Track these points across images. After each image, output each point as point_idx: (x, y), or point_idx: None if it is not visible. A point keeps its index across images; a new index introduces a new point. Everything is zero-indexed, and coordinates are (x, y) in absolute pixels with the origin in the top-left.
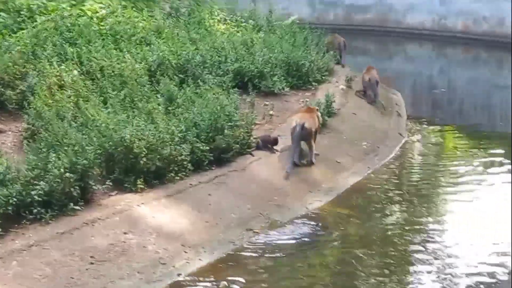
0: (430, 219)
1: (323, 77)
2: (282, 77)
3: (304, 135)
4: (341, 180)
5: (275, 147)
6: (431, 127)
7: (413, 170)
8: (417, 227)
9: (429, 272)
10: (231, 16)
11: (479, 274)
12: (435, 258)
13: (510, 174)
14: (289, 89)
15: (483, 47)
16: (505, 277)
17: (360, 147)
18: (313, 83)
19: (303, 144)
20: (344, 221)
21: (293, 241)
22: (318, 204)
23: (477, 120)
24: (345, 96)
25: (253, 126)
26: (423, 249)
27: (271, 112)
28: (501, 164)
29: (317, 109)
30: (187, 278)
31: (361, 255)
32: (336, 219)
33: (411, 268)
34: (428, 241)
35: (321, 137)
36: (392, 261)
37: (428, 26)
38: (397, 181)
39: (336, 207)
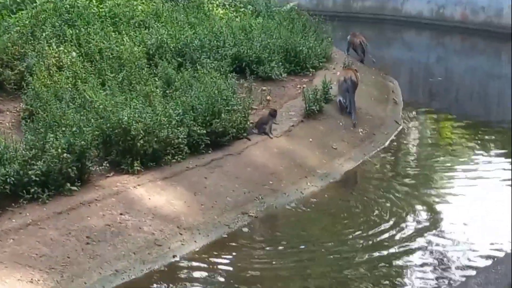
0: (422, 210)
1: (321, 64)
2: (280, 63)
3: (352, 87)
4: (337, 166)
5: (273, 127)
6: (428, 116)
7: (408, 159)
8: (410, 217)
9: (424, 264)
10: (230, 1)
11: (473, 264)
12: (430, 251)
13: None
14: (286, 75)
15: (480, 37)
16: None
17: (356, 134)
18: (311, 69)
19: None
20: (339, 207)
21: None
22: (313, 189)
23: (473, 110)
24: None
25: (250, 110)
26: (417, 241)
27: (268, 97)
28: (498, 158)
29: (355, 69)
30: (182, 260)
31: (353, 245)
32: (330, 205)
33: (405, 258)
34: (420, 233)
35: (317, 122)
36: (383, 253)
37: (426, 15)
38: (392, 170)
39: (331, 193)
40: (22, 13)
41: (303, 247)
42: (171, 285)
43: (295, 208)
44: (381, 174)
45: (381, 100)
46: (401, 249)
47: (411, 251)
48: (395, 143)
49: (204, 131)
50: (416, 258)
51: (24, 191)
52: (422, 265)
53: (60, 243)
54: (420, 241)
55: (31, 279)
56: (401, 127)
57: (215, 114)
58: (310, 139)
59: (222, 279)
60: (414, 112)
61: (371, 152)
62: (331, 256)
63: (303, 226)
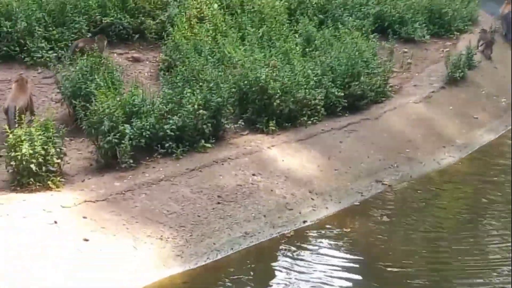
0: None
1: (466, 27)
2: (424, 24)
3: None
4: (477, 136)
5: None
6: None
7: None
8: None
9: None
10: None
11: None
12: None
13: None
14: (429, 37)
15: None
16: None
17: (498, 103)
18: (455, 32)
19: None
20: (476, 184)
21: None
22: (451, 160)
23: None
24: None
25: (390, 74)
26: None
27: (409, 61)
28: None
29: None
30: (312, 226)
31: (486, 224)
32: (467, 180)
33: None
34: None
35: (459, 90)
36: None
37: None
38: None
39: (469, 166)
40: None
41: (434, 221)
42: (299, 251)
43: (431, 180)
44: None
45: None
46: None
47: None
48: None
49: (342, 94)
50: None
51: (158, 145)
52: None
53: (191, 201)
54: None
55: (161, 236)
56: None
57: (354, 76)
58: (450, 107)
59: (350, 248)
60: None
61: None
62: (462, 236)
63: (437, 200)
